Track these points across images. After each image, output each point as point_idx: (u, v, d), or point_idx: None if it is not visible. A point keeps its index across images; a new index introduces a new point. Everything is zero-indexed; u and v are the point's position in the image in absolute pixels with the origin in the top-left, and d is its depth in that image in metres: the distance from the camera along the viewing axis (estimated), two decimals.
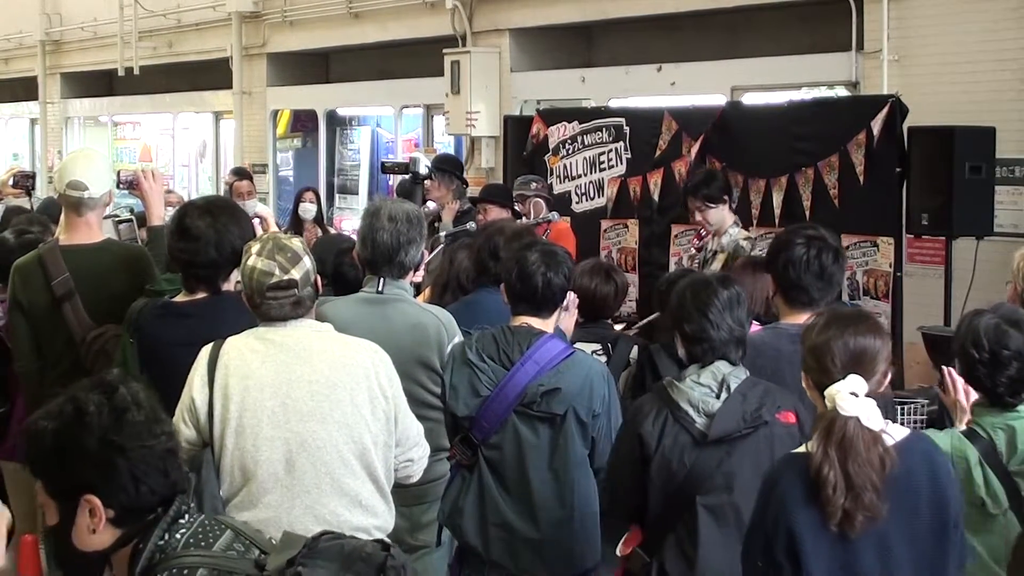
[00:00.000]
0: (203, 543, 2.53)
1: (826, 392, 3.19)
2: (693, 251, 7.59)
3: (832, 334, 3.25)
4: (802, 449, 3.26)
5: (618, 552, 4.21)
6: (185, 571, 2.47)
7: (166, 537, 2.52)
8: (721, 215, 7.09)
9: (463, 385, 4.44)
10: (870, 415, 3.13)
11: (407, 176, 9.14)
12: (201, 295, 4.33)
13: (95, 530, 2.51)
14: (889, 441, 3.15)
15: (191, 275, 4.32)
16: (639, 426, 4.02)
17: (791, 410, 3.98)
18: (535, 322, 4.51)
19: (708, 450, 3.92)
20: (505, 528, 4.45)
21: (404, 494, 4.04)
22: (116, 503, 2.51)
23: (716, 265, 6.94)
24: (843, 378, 3.17)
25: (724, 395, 3.94)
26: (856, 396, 3.14)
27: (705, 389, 3.96)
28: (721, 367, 3.99)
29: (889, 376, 3.35)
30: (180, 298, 4.37)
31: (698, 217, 7.15)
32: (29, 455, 2.58)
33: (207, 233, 4.25)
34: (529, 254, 4.55)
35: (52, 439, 2.52)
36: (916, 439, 3.31)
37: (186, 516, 2.58)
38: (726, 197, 7.16)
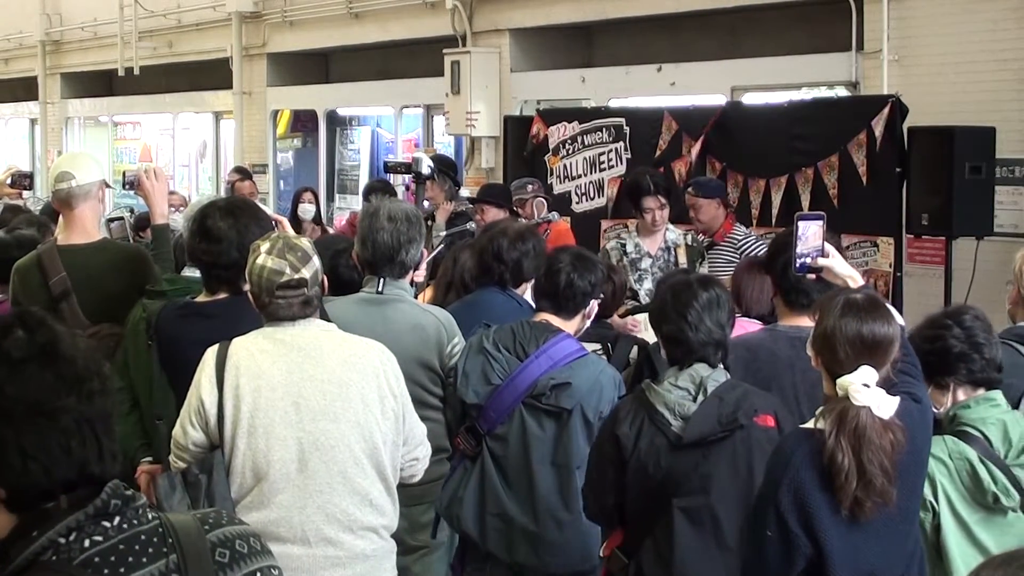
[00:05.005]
0: (112, 566, 1.92)
1: (838, 382, 3.26)
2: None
3: (846, 322, 3.30)
4: (810, 425, 3.33)
5: (600, 553, 4.19)
6: None
7: (72, 536, 1.91)
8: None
9: (475, 372, 4.46)
10: (881, 404, 3.22)
11: (409, 175, 9.10)
12: (222, 295, 4.32)
13: None
14: (890, 412, 3.22)
15: (213, 276, 4.29)
16: (616, 428, 3.97)
17: (769, 413, 3.92)
18: (555, 320, 4.55)
19: (684, 453, 3.86)
20: (503, 519, 4.46)
21: (404, 494, 4.03)
22: (4, 481, 1.94)
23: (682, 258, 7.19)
24: (854, 368, 3.24)
25: (701, 398, 3.88)
26: (868, 387, 3.21)
27: (683, 392, 3.90)
28: (700, 370, 3.92)
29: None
30: (201, 298, 4.36)
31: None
32: None
33: (229, 234, 4.22)
34: (562, 254, 4.64)
35: None
36: (905, 402, 3.35)
37: (117, 518, 1.95)
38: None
